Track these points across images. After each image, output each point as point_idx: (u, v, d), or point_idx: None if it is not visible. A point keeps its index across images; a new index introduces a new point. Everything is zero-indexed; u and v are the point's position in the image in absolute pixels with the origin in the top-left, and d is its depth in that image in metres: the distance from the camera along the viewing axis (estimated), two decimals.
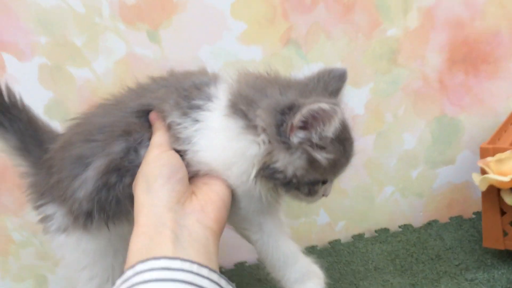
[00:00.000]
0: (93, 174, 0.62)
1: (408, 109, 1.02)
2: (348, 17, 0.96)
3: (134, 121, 0.64)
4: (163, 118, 0.62)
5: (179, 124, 0.61)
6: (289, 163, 0.58)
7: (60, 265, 0.78)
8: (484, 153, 0.82)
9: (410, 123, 1.03)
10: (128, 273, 0.49)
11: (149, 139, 0.62)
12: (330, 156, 0.59)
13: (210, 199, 0.58)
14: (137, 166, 0.61)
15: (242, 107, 0.59)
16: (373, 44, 0.98)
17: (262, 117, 0.57)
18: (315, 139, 0.57)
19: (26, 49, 0.93)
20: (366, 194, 1.07)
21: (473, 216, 1.08)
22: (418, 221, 1.09)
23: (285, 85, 0.62)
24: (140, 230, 0.54)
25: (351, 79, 0.98)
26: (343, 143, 0.61)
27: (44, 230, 0.72)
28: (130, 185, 0.61)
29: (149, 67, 0.95)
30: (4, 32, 0.92)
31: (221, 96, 0.62)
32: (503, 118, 1.01)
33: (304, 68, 0.97)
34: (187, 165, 0.61)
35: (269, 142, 0.58)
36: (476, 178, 0.81)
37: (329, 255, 1.04)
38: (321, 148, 0.58)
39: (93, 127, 0.65)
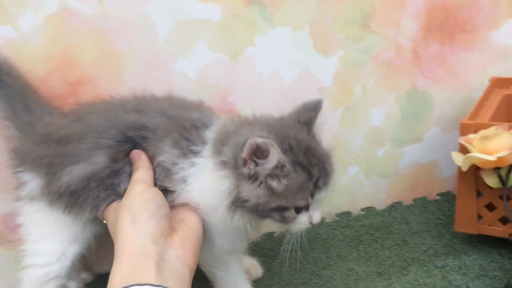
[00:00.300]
0: (79, 172, 0.67)
1: (379, 81, 0.93)
2: None
3: (122, 146, 0.67)
4: (154, 155, 0.66)
5: (176, 164, 0.65)
6: (251, 192, 0.61)
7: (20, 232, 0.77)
8: (465, 129, 0.75)
9: (380, 97, 0.94)
10: None
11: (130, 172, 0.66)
12: (288, 183, 0.61)
13: (188, 236, 0.61)
14: (116, 185, 0.67)
15: (218, 147, 0.64)
16: (345, 7, 0.87)
17: (226, 153, 0.62)
18: (265, 169, 0.60)
19: None
20: None
21: (438, 197, 1.03)
22: (381, 203, 1.02)
23: (262, 123, 0.66)
24: (123, 258, 0.56)
25: (320, 46, 0.89)
26: (307, 168, 0.62)
27: (17, 197, 0.75)
28: (103, 199, 0.67)
29: (88, 24, 0.80)
30: None
31: (211, 139, 0.66)
32: (476, 93, 0.94)
33: (269, 32, 0.86)
34: (173, 202, 0.65)
35: (232, 175, 0.62)
36: (457, 157, 0.74)
37: (287, 243, 0.95)
38: (274, 176, 0.61)
39: (88, 127, 0.68)
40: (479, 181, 0.77)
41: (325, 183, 0.63)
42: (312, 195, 0.62)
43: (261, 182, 0.61)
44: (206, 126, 0.67)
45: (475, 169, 0.76)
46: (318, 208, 0.65)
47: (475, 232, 0.81)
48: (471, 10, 0.91)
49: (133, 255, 0.56)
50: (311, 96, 0.77)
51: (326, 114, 0.71)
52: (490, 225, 0.79)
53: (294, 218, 0.63)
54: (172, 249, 0.59)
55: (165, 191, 0.65)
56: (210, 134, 0.66)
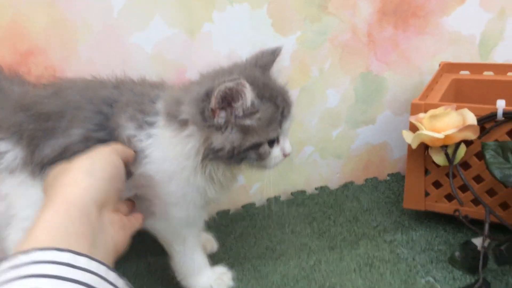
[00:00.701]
0: (58, 145, 0.69)
1: (335, 63, 0.94)
2: None
3: (98, 109, 0.69)
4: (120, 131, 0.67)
5: (134, 136, 0.67)
6: (224, 140, 0.63)
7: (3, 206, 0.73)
8: (416, 109, 0.77)
9: (336, 78, 0.96)
10: (22, 258, 0.42)
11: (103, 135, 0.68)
12: (260, 117, 0.63)
13: (129, 222, 0.60)
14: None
15: (172, 111, 0.65)
16: None
17: (186, 111, 0.63)
18: (239, 112, 0.62)
19: None
20: None
21: (388, 178, 1.06)
22: (334, 182, 1.05)
23: (210, 75, 0.67)
24: (63, 205, 0.49)
25: (278, 26, 0.89)
26: (272, 101, 0.65)
27: None
28: None
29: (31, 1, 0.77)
30: None
31: (162, 108, 0.68)
32: (427, 77, 0.98)
33: (227, 8, 0.85)
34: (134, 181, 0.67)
35: (200, 130, 0.63)
36: (407, 135, 0.76)
37: (243, 220, 0.96)
38: (248, 115, 0.62)
39: (67, 103, 0.69)
40: (427, 159, 0.80)
41: (289, 111, 0.67)
42: (280, 125, 0.66)
43: (232, 127, 0.62)
44: (158, 98, 0.69)
45: (424, 148, 0.79)
46: (287, 139, 0.68)
47: (422, 208, 0.84)
48: None
49: (75, 207, 0.49)
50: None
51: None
52: (436, 202, 0.83)
53: (269, 152, 0.66)
54: (111, 226, 0.54)
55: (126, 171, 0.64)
56: (160, 105, 0.67)
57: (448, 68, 0.95)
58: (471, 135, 0.72)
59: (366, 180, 1.05)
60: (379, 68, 0.97)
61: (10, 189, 0.73)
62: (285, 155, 0.67)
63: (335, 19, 0.91)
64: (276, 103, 0.64)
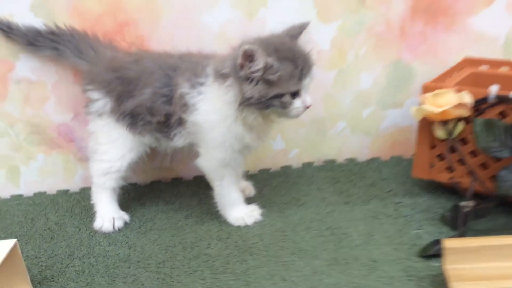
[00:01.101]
0: (135, 102, 0.93)
1: (369, 50, 1.11)
2: None
3: (166, 74, 0.92)
4: (177, 89, 0.90)
5: (188, 94, 0.89)
6: (253, 89, 0.83)
7: (89, 139, 1.02)
8: (426, 90, 0.92)
9: (369, 64, 1.12)
10: None
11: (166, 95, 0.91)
12: (279, 73, 0.82)
13: None
14: (157, 108, 0.92)
15: (218, 68, 0.86)
16: None
17: (226, 66, 0.84)
18: (257, 70, 0.81)
19: None
20: (320, 126, 1.17)
21: (411, 157, 1.19)
22: (362, 156, 1.20)
23: (247, 41, 0.83)
24: None
25: (322, 15, 1.07)
26: (292, 61, 0.83)
27: (85, 111, 1.01)
28: (148, 121, 0.94)
29: None
30: None
31: (211, 71, 0.88)
32: None
33: (273, 5, 1.05)
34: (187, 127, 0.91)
35: (236, 81, 0.83)
36: (413, 110, 0.91)
37: (279, 177, 1.15)
38: (268, 71, 0.81)
39: (143, 69, 0.94)
40: (433, 135, 0.94)
41: (309, 70, 0.84)
42: (300, 80, 0.83)
43: (258, 81, 0.82)
44: (208, 65, 0.90)
45: (430, 125, 0.94)
46: (307, 93, 0.86)
47: (427, 177, 0.98)
48: None
49: None
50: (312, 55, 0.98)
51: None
52: (439, 173, 0.96)
53: (291, 103, 0.84)
54: None
55: (182, 120, 0.91)
56: (209, 69, 0.88)
57: (469, 62, 1.07)
58: (465, 113, 0.86)
59: (392, 157, 1.19)
60: (409, 58, 1.12)
61: (97, 128, 0.99)
62: (306, 107, 0.85)
63: (371, 12, 1.07)
64: (296, 63, 0.82)
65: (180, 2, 1.03)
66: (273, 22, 1.06)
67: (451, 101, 0.86)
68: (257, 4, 1.05)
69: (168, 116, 0.92)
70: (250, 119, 0.86)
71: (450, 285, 0.70)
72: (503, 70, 1.04)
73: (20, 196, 1.15)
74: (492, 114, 0.86)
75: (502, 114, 0.86)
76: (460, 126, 0.89)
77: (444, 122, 0.90)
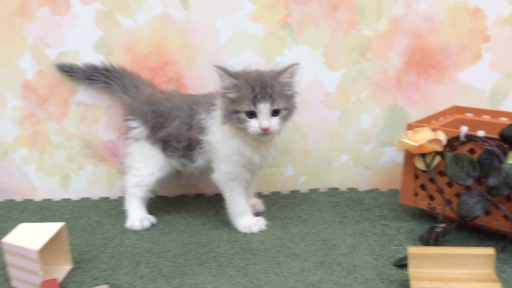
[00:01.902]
0: (166, 131, 1.16)
1: (369, 95, 1.29)
2: (333, 14, 1.24)
3: (190, 107, 1.16)
4: (197, 117, 1.13)
5: (204, 119, 1.11)
6: (222, 104, 1.06)
7: (128, 159, 1.24)
8: (409, 128, 1.09)
9: (369, 107, 1.30)
10: None
11: (189, 124, 1.14)
12: (238, 94, 1.02)
13: None
14: (182, 135, 1.14)
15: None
16: (349, 39, 1.26)
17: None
18: (223, 87, 1.04)
19: None
20: (325, 158, 1.35)
21: None
22: (363, 187, 1.37)
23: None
24: None
25: (329, 64, 1.28)
26: (251, 86, 1.01)
27: (125, 137, 1.25)
28: (175, 148, 1.16)
29: (178, 25, 1.25)
30: None
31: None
32: None
33: (294, 48, 1.26)
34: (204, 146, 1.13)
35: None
36: (396, 142, 1.08)
37: (287, 198, 1.32)
38: (232, 91, 1.03)
39: (173, 106, 1.17)
40: (416, 168, 1.10)
41: (263, 97, 1.00)
42: (254, 104, 1.00)
43: (224, 96, 1.04)
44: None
45: (412, 157, 1.10)
46: (265, 118, 1.01)
47: (412, 205, 1.13)
48: (442, 54, 1.26)
49: None
50: (320, 97, 1.23)
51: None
52: (422, 200, 1.11)
53: (246, 121, 1.02)
54: None
55: (197, 141, 1.12)
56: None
57: (456, 109, 1.24)
58: (438, 147, 1.02)
59: (389, 189, 1.35)
60: (404, 104, 1.29)
61: (134, 150, 1.22)
62: (261, 129, 1.01)
63: (371, 63, 1.27)
64: (254, 89, 1.00)
65: (213, 47, 1.26)
66: None
67: (427, 137, 1.02)
68: (275, 53, 1.27)
69: (190, 140, 1.14)
70: (246, 137, 1.05)
71: (410, 284, 0.85)
72: (486, 118, 1.20)
73: (69, 199, 1.37)
74: (463, 150, 1.02)
75: (471, 151, 1.02)
76: (437, 159, 1.05)
77: (423, 155, 1.06)
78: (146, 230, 1.17)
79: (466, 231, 1.10)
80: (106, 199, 1.36)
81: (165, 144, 1.17)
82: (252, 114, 1.02)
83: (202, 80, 1.29)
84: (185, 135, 1.14)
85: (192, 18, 1.25)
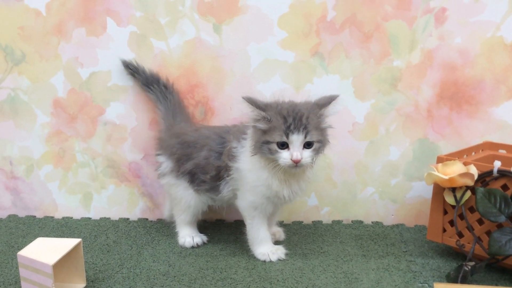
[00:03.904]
0: (193, 163, 1.15)
1: (398, 127, 1.26)
2: (365, 44, 1.23)
3: (220, 136, 1.15)
4: (228, 145, 1.11)
5: (235, 148, 1.09)
6: (253, 134, 1.04)
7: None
8: (439, 161, 1.05)
9: (398, 139, 1.27)
10: None
11: (218, 152, 1.12)
12: (270, 125, 1.00)
13: None
14: (210, 164, 1.12)
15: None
16: (380, 69, 1.24)
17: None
18: (253, 118, 1.02)
19: (124, 18, 1.27)
20: (351, 189, 1.31)
21: None
22: (388, 221, 1.32)
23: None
24: None
25: (358, 94, 1.26)
26: (284, 117, 0.99)
27: (157, 172, 1.25)
28: (202, 180, 1.14)
29: (209, 50, 1.26)
30: (112, 3, 1.26)
31: None
32: None
33: (323, 76, 1.25)
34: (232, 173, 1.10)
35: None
36: (425, 175, 1.04)
37: (309, 229, 1.28)
38: (263, 121, 1.01)
39: (200, 135, 1.16)
40: (445, 203, 1.05)
41: (296, 128, 0.98)
42: (286, 135, 0.98)
43: (255, 127, 1.02)
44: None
45: (442, 191, 1.05)
46: (297, 150, 0.98)
47: (440, 241, 1.08)
48: (476, 88, 1.22)
49: None
50: (348, 126, 1.22)
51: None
52: (450, 237, 1.06)
53: (277, 152, 0.99)
54: None
55: (227, 167, 1.10)
56: None
57: (489, 145, 1.19)
58: (469, 182, 0.97)
59: (416, 225, 1.29)
60: (435, 137, 1.26)
61: (165, 185, 1.23)
62: (293, 160, 0.98)
63: (402, 95, 1.24)
64: (286, 119, 0.98)
65: (241, 72, 1.27)
66: (316, 96, 1.26)
67: (458, 170, 0.98)
68: (305, 80, 1.26)
69: (218, 169, 1.11)
70: (265, 165, 1.03)
71: None
72: None
73: (89, 218, 1.36)
74: (495, 186, 0.97)
75: (504, 187, 0.97)
76: (468, 195, 1.00)
77: (453, 190, 1.01)
78: (162, 252, 1.15)
79: (497, 271, 1.03)
80: (126, 219, 1.35)
81: (192, 177, 1.15)
82: (283, 145, 1.00)
83: (230, 104, 1.28)
84: (214, 163, 1.11)
85: (223, 44, 1.26)
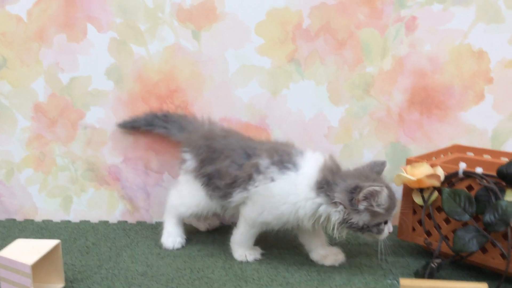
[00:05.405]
0: (215, 167, 1.14)
1: (371, 131, 1.31)
2: (339, 51, 1.28)
3: (245, 151, 1.13)
4: (255, 163, 1.08)
5: (268, 168, 1.07)
6: (360, 219, 1.00)
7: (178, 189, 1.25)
8: (408, 163, 1.09)
9: (371, 143, 1.31)
10: None
11: (239, 164, 1.11)
12: (385, 207, 1.00)
13: None
14: (229, 173, 1.11)
15: (326, 188, 1.02)
16: (354, 75, 1.28)
17: (339, 197, 1.01)
18: (374, 205, 0.99)
19: (104, 25, 1.29)
20: None
21: None
22: None
23: (348, 174, 1.05)
24: None
25: (333, 99, 1.30)
26: (391, 198, 1.02)
27: (179, 167, 1.25)
28: (217, 186, 1.13)
29: (188, 56, 1.29)
30: (93, 10, 1.29)
31: (306, 168, 1.05)
32: None
33: (300, 82, 1.29)
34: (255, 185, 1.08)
35: (345, 209, 1.00)
36: (394, 176, 1.08)
37: (285, 230, 1.31)
38: (378, 205, 0.99)
39: (228, 145, 1.15)
40: (414, 203, 1.09)
41: (396, 204, 1.03)
42: (390, 213, 1.02)
43: (366, 212, 0.99)
44: (297, 155, 1.08)
45: (411, 192, 1.09)
46: (391, 222, 1.04)
47: (410, 240, 1.12)
48: (445, 94, 1.27)
49: None
50: (323, 130, 1.26)
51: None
52: (419, 236, 1.10)
53: (384, 229, 1.01)
54: None
55: (248, 178, 1.08)
56: (302, 162, 1.06)
57: (457, 148, 1.24)
58: (436, 183, 1.02)
59: None
60: (406, 141, 1.30)
61: (182, 181, 1.23)
62: (389, 232, 1.03)
63: (374, 100, 1.29)
64: (392, 200, 1.00)
65: (220, 78, 1.30)
66: (292, 100, 1.30)
67: (425, 172, 1.02)
68: (281, 86, 1.30)
69: (235, 178, 1.10)
70: (339, 234, 1.03)
71: None
72: (486, 157, 1.20)
73: (69, 221, 1.37)
74: (461, 186, 1.02)
75: (469, 188, 1.01)
76: (435, 195, 1.04)
77: (421, 190, 1.05)
78: (141, 253, 1.17)
79: (463, 269, 1.08)
80: (105, 222, 1.37)
81: (208, 181, 1.15)
82: (386, 222, 1.03)
83: (209, 109, 1.32)
84: (232, 173, 1.10)
85: (202, 50, 1.30)
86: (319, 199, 1.02)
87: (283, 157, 1.07)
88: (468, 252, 0.97)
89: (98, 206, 1.38)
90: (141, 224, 1.35)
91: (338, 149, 1.32)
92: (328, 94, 1.30)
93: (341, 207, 1.00)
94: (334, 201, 1.00)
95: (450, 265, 1.06)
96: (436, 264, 0.98)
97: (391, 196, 1.00)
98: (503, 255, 0.96)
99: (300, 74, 1.30)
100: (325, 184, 1.02)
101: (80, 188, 1.38)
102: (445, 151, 1.22)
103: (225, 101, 1.32)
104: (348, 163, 1.31)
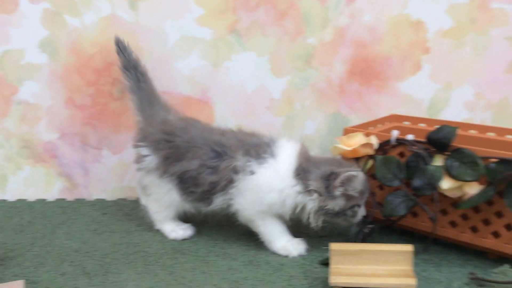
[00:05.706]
0: (182, 167, 1.04)
1: (313, 102, 1.31)
2: (280, 21, 1.26)
3: (212, 149, 1.04)
4: (231, 162, 1.01)
5: (247, 165, 1.00)
6: (335, 204, 0.98)
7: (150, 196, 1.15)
8: (346, 133, 1.10)
9: (313, 114, 1.31)
10: None
11: (212, 167, 1.03)
12: (359, 191, 0.98)
13: None
14: (204, 178, 1.03)
15: (302, 175, 0.99)
16: (295, 46, 1.28)
17: (314, 185, 0.98)
18: (349, 189, 0.97)
19: None
20: None
21: None
22: None
23: (320, 160, 1.02)
24: None
25: (275, 70, 1.29)
26: (365, 182, 1.00)
27: (136, 167, 1.14)
28: (187, 188, 1.05)
29: (125, 27, 1.25)
30: None
31: (284, 155, 1.01)
32: None
33: (241, 53, 1.27)
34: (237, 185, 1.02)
35: (320, 196, 0.98)
36: (331, 147, 1.09)
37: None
38: (353, 190, 0.97)
39: (193, 137, 1.06)
40: None
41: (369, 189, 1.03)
42: (367, 195, 1.01)
43: (341, 197, 0.97)
44: (273, 142, 1.04)
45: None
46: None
47: None
48: (384, 65, 1.29)
49: None
50: (266, 102, 1.24)
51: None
52: None
53: (358, 212, 1.00)
54: None
55: (227, 182, 1.01)
56: (276, 150, 1.02)
57: (395, 118, 1.26)
58: (370, 151, 1.03)
59: None
60: (346, 111, 1.31)
61: (148, 182, 1.12)
62: (362, 216, 1.01)
63: (316, 71, 1.29)
64: (365, 183, 0.99)
65: (159, 50, 1.27)
66: (234, 72, 1.28)
67: (360, 141, 1.03)
68: (223, 57, 1.28)
69: (213, 185, 1.03)
70: (316, 221, 1.01)
71: (329, 279, 0.84)
72: (422, 126, 1.22)
73: (4, 200, 1.32)
74: (393, 153, 1.03)
75: (401, 154, 1.03)
76: (370, 163, 1.05)
77: (357, 160, 1.07)
78: (77, 230, 1.14)
79: (395, 234, 1.11)
80: (42, 200, 1.33)
81: (180, 183, 1.06)
82: (360, 205, 1.01)
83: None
84: (207, 178, 1.03)
85: (140, 20, 1.26)
86: (298, 187, 0.99)
87: (258, 149, 1.02)
88: (398, 216, 0.99)
89: (35, 184, 1.33)
90: (79, 202, 1.32)
91: (281, 121, 1.32)
92: (269, 65, 1.29)
93: (315, 195, 0.98)
94: (308, 189, 0.98)
95: (383, 230, 1.07)
96: (368, 229, 1.00)
97: (365, 180, 0.99)
98: (432, 219, 0.98)
99: (241, 45, 1.28)
100: (302, 171, 0.99)
101: (16, 166, 1.32)
102: (382, 120, 1.23)
103: (165, 74, 1.28)
104: (291, 136, 1.32)
